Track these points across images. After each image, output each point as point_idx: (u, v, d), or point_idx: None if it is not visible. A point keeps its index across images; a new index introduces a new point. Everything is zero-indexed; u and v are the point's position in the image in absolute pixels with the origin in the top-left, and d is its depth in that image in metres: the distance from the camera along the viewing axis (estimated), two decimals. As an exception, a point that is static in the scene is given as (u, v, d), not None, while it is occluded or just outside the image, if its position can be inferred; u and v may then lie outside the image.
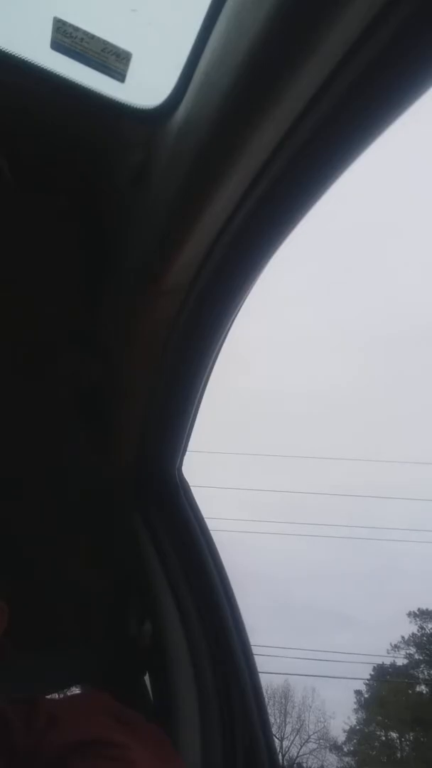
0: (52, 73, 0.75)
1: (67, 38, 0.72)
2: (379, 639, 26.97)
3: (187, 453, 1.35)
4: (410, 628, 26.76)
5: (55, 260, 1.03)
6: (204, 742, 1.16)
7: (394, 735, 25.80)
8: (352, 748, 26.19)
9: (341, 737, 26.27)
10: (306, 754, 25.56)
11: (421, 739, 24.56)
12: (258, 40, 0.60)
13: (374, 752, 25.91)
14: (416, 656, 26.30)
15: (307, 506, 30.21)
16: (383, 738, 26.16)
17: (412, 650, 26.42)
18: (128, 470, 1.37)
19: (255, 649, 1.31)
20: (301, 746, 25.51)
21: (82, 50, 0.73)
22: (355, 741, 26.30)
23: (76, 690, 1.63)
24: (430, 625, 26.80)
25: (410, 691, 25.80)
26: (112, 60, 0.73)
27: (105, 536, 1.49)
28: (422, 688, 25.83)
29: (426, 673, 26.09)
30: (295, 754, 25.18)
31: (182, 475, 1.37)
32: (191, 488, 1.38)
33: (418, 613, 26.92)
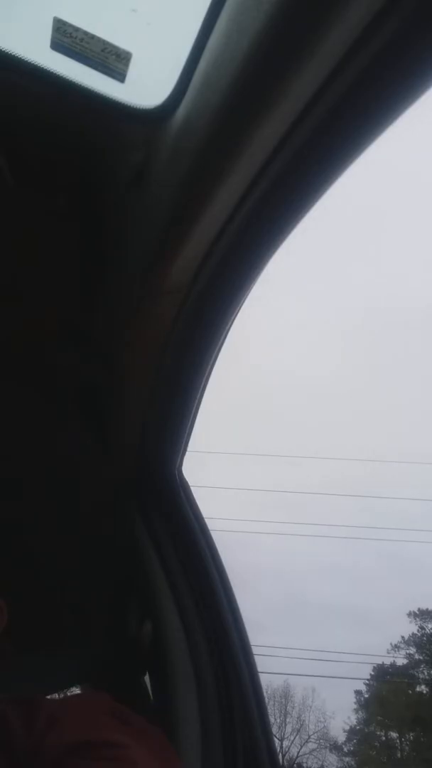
0: (52, 73, 0.75)
1: (67, 38, 0.72)
2: (381, 638, 27.02)
3: (187, 453, 1.35)
4: (410, 628, 26.82)
5: (55, 260, 1.03)
6: (204, 742, 1.15)
7: (394, 735, 25.81)
8: (352, 748, 26.20)
9: (341, 737, 26.31)
10: (306, 754, 25.59)
11: (421, 739, 24.57)
12: (258, 40, 0.60)
13: (374, 752, 25.91)
14: (416, 656, 26.32)
15: (307, 506, 30.24)
16: (383, 738, 26.17)
17: (412, 650, 26.45)
18: (128, 470, 1.37)
19: (255, 649, 1.31)
20: (301, 746, 25.54)
21: (82, 50, 0.73)
22: (355, 741, 26.31)
23: (76, 690, 1.63)
24: (430, 625, 26.83)
25: (410, 691, 25.80)
26: (112, 60, 0.73)
27: (105, 536, 1.49)
28: (422, 688, 25.84)
29: (426, 673, 26.10)
30: (295, 754, 25.21)
31: (182, 475, 1.36)
32: (191, 488, 1.38)
33: (418, 613, 26.94)
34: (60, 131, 0.83)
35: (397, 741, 25.66)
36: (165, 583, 1.29)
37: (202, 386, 1.16)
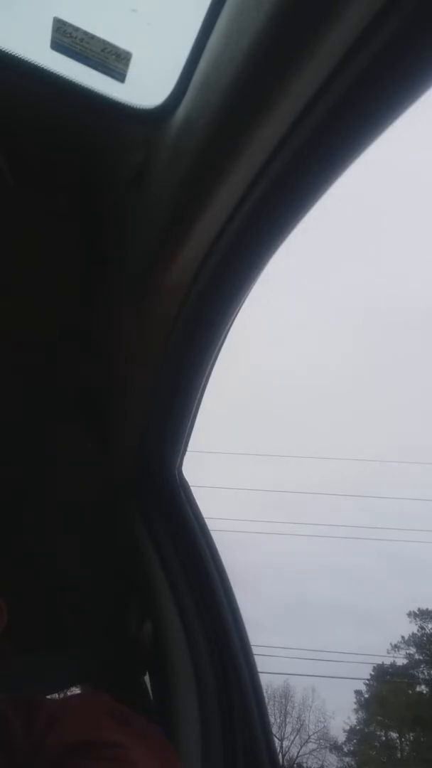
0: (52, 73, 0.75)
1: (67, 38, 0.72)
2: (381, 638, 27.02)
3: (187, 453, 1.35)
4: (410, 628, 26.82)
5: (55, 260, 1.03)
6: (204, 742, 1.15)
7: (394, 735, 25.81)
8: (352, 748, 26.20)
9: (341, 737, 26.31)
10: (306, 754, 25.59)
11: (421, 739, 24.57)
12: (258, 40, 0.60)
13: (374, 752, 25.91)
14: (416, 656, 26.32)
15: (307, 506, 30.23)
16: (383, 738, 26.17)
17: (412, 650, 26.45)
18: (128, 470, 1.37)
19: (255, 649, 1.31)
20: (301, 746, 25.54)
21: (82, 50, 0.73)
22: (355, 741, 26.31)
23: (76, 690, 1.63)
24: (430, 625, 26.82)
25: (410, 691, 25.80)
26: (112, 60, 0.73)
27: (105, 536, 1.49)
28: (422, 688, 25.83)
29: (426, 673, 26.09)
30: (295, 754, 25.20)
31: (182, 475, 1.36)
32: (191, 488, 1.38)
33: (418, 613, 26.94)
34: (60, 131, 0.83)
35: (397, 741, 25.66)
36: (165, 583, 1.29)
37: (202, 386, 1.16)
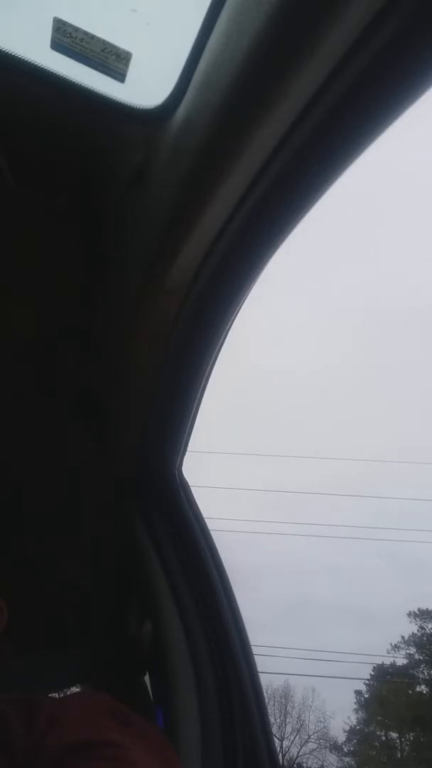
0: (52, 73, 0.75)
1: (67, 38, 0.72)
2: (381, 638, 27.02)
3: (187, 453, 1.35)
4: (410, 628, 26.83)
5: (55, 260, 1.03)
6: (204, 742, 1.15)
7: (394, 735, 25.81)
8: (352, 748, 26.20)
9: (341, 737, 26.32)
10: (306, 754, 25.60)
11: (421, 739, 24.57)
12: (258, 40, 0.60)
13: (374, 752, 25.91)
14: (416, 656, 26.33)
15: (307, 506, 30.24)
16: (383, 738, 26.18)
17: (412, 650, 26.45)
18: (128, 470, 1.37)
19: (255, 649, 1.31)
20: (301, 746, 25.55)
21: (82, 50, 0.73)
22: (355, 741, 26.31)
23: (76, 690, 1.63)
24: (430, 625, 26.83)
25: (410, 691, 25.80)
26: (112, 60, 0.73)
27: (105, 536, 1.49)
28: (422, 688, 25.84)
29: (426, 673, 26.10)
30: (295, 754, 25.21)
31: (182, 475, 1.37)
32: (191, 488, 1.38)
33: (418, 613, 26.94)
34: (60, 131, 0.83)
35: (397, 741, 25.67)
36: (165, 583, 1.29)
37: (202, 386, 1.16)
